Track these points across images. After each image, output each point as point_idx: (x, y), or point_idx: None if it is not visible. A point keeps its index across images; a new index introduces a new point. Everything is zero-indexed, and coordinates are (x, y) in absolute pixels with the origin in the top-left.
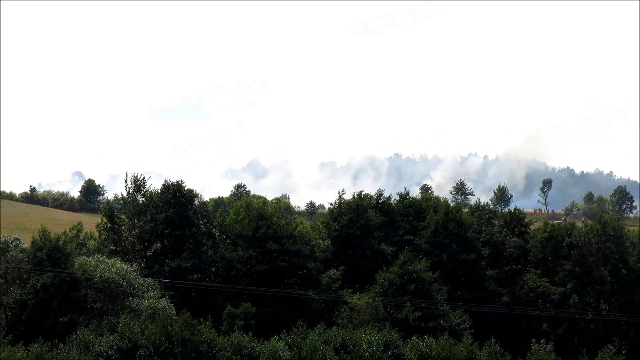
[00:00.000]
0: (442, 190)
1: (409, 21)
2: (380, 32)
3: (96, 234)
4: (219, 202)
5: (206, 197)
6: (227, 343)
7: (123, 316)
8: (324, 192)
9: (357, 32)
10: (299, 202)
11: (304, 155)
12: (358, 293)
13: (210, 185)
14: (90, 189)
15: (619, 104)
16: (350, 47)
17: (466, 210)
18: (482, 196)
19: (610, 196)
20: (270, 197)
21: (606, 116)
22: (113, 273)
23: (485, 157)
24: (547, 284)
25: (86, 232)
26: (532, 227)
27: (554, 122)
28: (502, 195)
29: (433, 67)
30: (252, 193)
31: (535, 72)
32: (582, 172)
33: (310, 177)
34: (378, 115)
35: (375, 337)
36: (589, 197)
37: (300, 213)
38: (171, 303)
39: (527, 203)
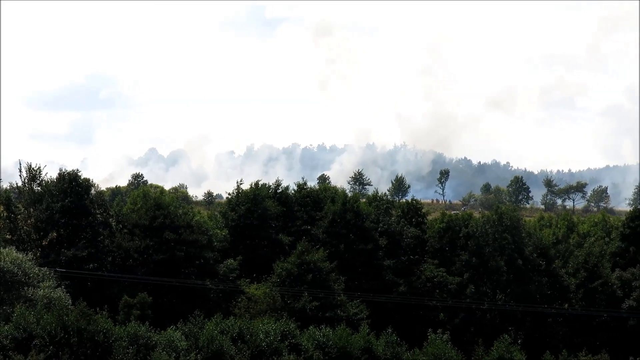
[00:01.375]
0: (346, 179)
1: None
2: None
3: None
4: (116, 191)
5: (104, 187)
6: (124, 333)
7: (18, 306)
8: (222, 182)
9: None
10: (197, 192)
11: (202, 145)
12: (255, 283)
13: (109, 174)
14: None
15: (514, 96)
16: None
17: (364, 200)
18: (386, 187)
19: (507, 187)
20: (168, 187)
21: (502, 108)
22: (8, 262)
23: (384, 147)
24: (444, 274)
25: None
26: (430, 218)
27: (452, 114)
28: (399, 186)
29: (331, 56)
30: (149, 182)
31: (435, 62)
32: (480, 162)
33: (208, 167)
34: (275, 106)
35: (272, 327)
36: (486, 188)
37: (198, 203)
38: (67, 293)
39: (425, 193)
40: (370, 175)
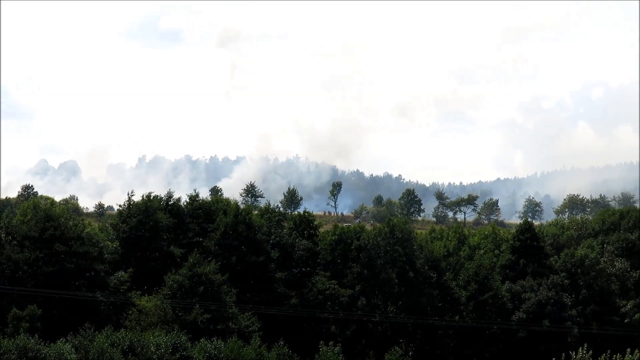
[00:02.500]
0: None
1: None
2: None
3: None
4: (5, 203)
5: None
6: (12, 346)
7: None
8: (116, 194)
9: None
10: (90, 204)
11: (96, 156)
12: (146, 295)
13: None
14: None
15: (403, 108)
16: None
17: (256, 212)
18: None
19: (399, 199)
20: (59, 199)
21: (394, 120)
22: None
23: (285, 157)
24: (335, 286)
25: None
26: (322, 230)
27: (343, 126)
28: (292, 198)
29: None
30: (40, 194)
31: (328, 74)
32: (372, 175)
33: (100, 178)
34: (177, 116)
35: (163, 339)
36: (378, 200)
37: (89, 214)
38: None
39: (324, 206)
40: (271, 185)
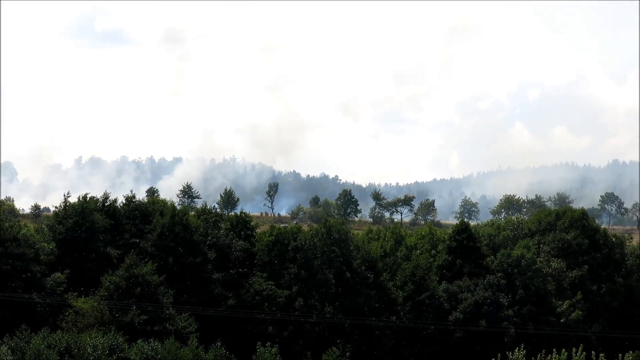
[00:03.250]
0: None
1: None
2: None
3: None
4: None
5: None
6: None
7: None
8: (53, 195)
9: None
10: (25, 206)
11: (31, 157)
12: (83, 296)
13: None
14: None
15: (342, 108)
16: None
17: (193, 213)
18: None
19: (336, 200)
20: None
21: (333, 122)
22: None
23: (228, 158)
24: (273, 287)
25: None
26: (259, 231)
27: (284, 127)
28: (229, 199)
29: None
30: None
31: (270, 74)
32: (309, 175)
33: (37, 179)
34: (119, 117)
35: (100, 340)
36: (315, 201)
37: (25, 216)
38: None
39: (258, 207)
40: (212, 185)
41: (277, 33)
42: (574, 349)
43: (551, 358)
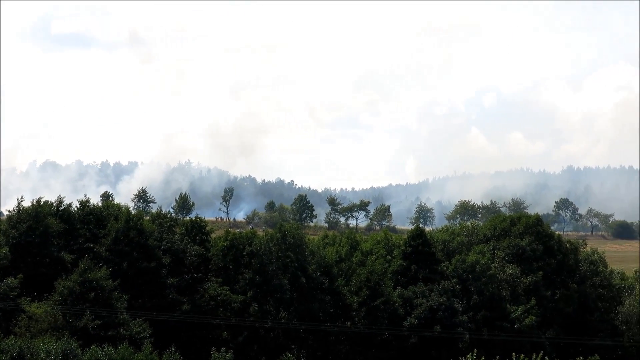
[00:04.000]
0: (149, 196)
1: None
2: None
3: None
4: None
5: None
6: None
7: None
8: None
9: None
10: None
11: None
12: (37, 301)
13: None
14: None
15: (299, 113)
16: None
17: (148, 218)
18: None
19: (291, 205)
20: None
21: (290, 126)
22: None
23: (185, 163)
24: (227, 292)
25: None
26: (214, 236)
27: (242, 132)
28: (184, 204)
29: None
30: None
31: (233, 77)
32: (264, 180)
33: None
34: (81, 121)
35: (53, 346)
36: (271, 206)
37: None
38: None
39: (211, 212)
40: (172, 188)
41: (241, 35)
42: (533, 355)
43: None
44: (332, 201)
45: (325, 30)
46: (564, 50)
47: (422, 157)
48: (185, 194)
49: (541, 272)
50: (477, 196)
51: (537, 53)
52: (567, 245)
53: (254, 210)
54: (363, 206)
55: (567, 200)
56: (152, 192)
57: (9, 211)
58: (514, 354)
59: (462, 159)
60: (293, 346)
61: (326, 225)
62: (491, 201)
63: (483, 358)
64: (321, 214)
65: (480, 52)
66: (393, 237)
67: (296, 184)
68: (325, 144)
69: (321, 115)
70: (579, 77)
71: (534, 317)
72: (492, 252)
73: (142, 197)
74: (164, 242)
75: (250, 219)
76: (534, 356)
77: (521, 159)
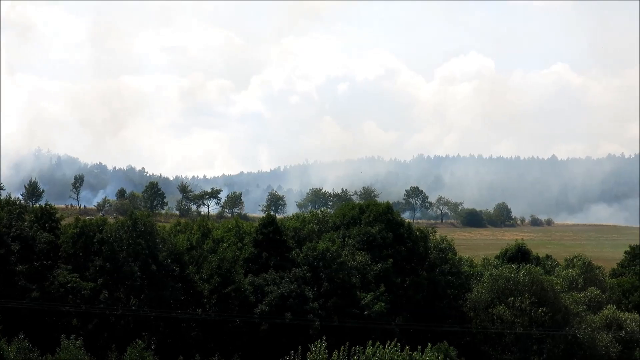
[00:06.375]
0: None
1: None
2: None
3: None
4: None
5: None
6: None
7: None
8: None
9: None
10: None
11: None
12: None
13: None
14: None
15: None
16: None
17: None
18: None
19: (142, 193)
20: None
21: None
22: None
23: (16, 152)
24: (77, 279)
25: None
26: (64, 223)
27: (90, 119)
28: (33, 190)
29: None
30: None
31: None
32: (115, 168)
33: None
34: None
35: None
36: (122, 193)
37: None
38: None
39: (60, 199)
40: (20, 177)
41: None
42: (379, 343)
43: (356, 350)
44: (184, 189)
45: (176, 14)
46: (416, 41)
47: (274, 145)
48: (34, 181)
49: (391, 260)
50: (328, 184)
51: (391, 43)
52: (417, 233)
53: (105, 198)
54: (214, 194)
55: (417, 188)
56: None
57: None
58: (368, 342)
59: (315, 148)
60: (144, 333)
61: (177, 213)
62: (342, 189)
63: (325, 344)
64: (173, 202)
65: (334, 41)
66: (244, 224)
67: (147, 172)
68: (177, 131)
69: (174, 103)
70: (431, 67)
71: (383, 304)
72: (342, 239)
73: None
74: (13, 229)
75: (101, 207)
76: (387, 343)
77: (373, 147)
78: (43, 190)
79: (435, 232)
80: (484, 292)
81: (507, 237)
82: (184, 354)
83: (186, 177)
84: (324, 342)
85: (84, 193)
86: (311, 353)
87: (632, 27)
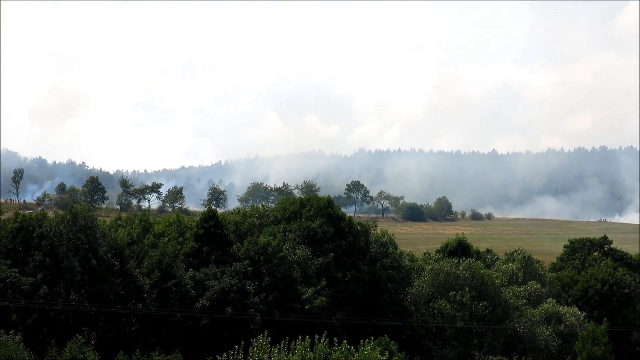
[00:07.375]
0: None
1: None
2: None
3: None
4: None
5: None
6: None
7: None
8: None
9: None
10: None
11: None
12: None
13: None
14: None
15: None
16: None
17: None
18: None
19: (83, 187)
20: None
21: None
22: None
23: None
24: (17, 274)
25: None
26: (3, 217)
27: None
28: None
29: None
30: None
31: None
32: (55, 162)
33: None
34: None
35: None
36: (61, 188)
37: None
38: None
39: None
40: None
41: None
42: (316, 337)
43: (295, 345)
44: (124, 183)
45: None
46: (362, 37)
47: (216, 139)
48: None
49: (332, 254)
50: (269, 178)
51: (337, 38)
52: (358, 227)
53: (45, 192)
54: (155, 188)
55: (358, 182)
56: None
57: None
58: (299, 337)
59: (257, 142)
60: (84, 328)
61: (118, 207)
62: (283, 183)
63: (269, 338)
64: (113, 196)
65: (282, 39)
66: (185, 219)
67: (87, 166)
68: (118, 125)
69: (115, 97)
70: (376, 64)
71: (324, 299)
72: (283, 234)
73: None
74: None
75: (40, 201)
76: (316, 337)
77: (315, 142)
78: None
79: (376, 226)
80: (424, 286)
81: (448, 232)
82: (124, 349)
83: (127, 171)
84: (266, 337)
85: (32, 187)
86: (254, 347)
87: (574, 23)
